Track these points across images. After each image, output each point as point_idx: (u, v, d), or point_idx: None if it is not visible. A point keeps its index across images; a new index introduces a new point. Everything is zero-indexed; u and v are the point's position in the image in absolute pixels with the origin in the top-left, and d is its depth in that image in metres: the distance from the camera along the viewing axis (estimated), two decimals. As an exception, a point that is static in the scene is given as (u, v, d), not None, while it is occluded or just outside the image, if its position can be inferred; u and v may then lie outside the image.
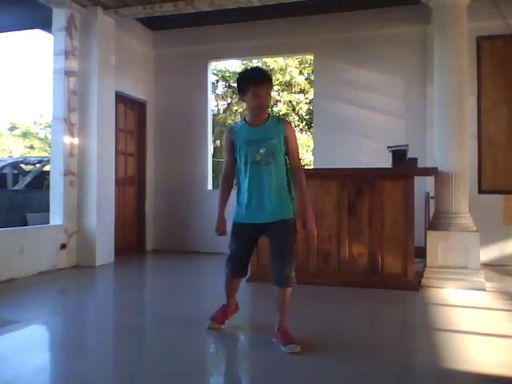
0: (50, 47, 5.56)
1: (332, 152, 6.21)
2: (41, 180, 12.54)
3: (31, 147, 27.24)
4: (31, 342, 2.92)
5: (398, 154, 4.61)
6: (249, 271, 3.05)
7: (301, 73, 13.69)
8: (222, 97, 15.52)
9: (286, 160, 2.84)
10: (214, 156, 11.23)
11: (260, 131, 2.79)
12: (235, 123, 3.01)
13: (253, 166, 2.77)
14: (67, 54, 5.49)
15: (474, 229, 4.50)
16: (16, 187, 12.26)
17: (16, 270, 4.76)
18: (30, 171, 13.51)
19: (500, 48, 5.81)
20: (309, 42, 6.56)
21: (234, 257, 2.92)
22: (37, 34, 52.36)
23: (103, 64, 5.66)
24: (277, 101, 13.51)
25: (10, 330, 3.16)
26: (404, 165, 4.56)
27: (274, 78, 11.97)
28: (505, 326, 3.27)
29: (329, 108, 6.45)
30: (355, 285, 4.32)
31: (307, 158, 13.23)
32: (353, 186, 4.46)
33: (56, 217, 5.45)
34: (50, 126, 17.19)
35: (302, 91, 13.68)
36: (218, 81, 14.93)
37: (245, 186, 2.80)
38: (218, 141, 15.24)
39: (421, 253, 4.66)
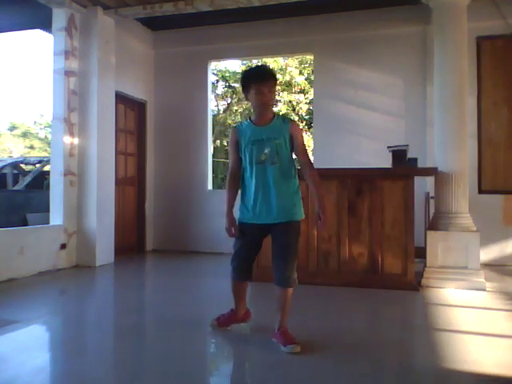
0: (50, 47, 5.56)
1: (332, 152, 6.21)
2: (41, 180, 12.54)
3: (31, 147, 27.23)
4: (31, 342, 2.92)
5: (398, 154, 4.61)
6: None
7: (301, 73, 13.69)
8: (222, 97, 15.52)
9: (292, 159, 2.82)
10: (214, 156, 11.25)
11: (265, 131, 2.77)
12: (240, 122, 2.97)
13: (258, 166, 2.75)
14: (67, 54, 5.49)
15: (474, 229, 4.50)
16: (16, 187, 12.25)
17: (16, 269, 4.76)
18: (30, 171, 13.51)
19: (500, 48, 5.81)
20: (309, 42, 6.56)
21: (239, 256, 2.90)
22: (37, 34, 52.40)
23: (103, 64, 5.66)
24: (277, 101, 13.52)
25: (10, 330, 3.16)
26: (404, 165, 4.56)
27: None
28: (505, 326, 3.27)
29: (329, 108, 6.45)
30: (355, 285, 4.32)
31: (307, 158, 13.20)
32: (353, 185, 4.46)
33: (56, 217, 5.45)
34: (50, 126, 17.21)
35: (302, 91, 13.69)
36: (218, 81, 14.93)
37: (250, 185, 2.78)
38: (218, 141, 15.24)
39: (421, 253, 4.66)
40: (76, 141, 5.59)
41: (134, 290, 4.69)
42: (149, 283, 5.23)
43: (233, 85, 14.85)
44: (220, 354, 2.92)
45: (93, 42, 5.59)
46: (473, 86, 5.69)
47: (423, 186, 5.67)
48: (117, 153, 6.11)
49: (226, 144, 15.10)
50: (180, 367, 2.50)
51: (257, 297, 4.12)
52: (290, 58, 13.23)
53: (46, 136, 26.98)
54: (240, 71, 14.14)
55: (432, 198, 4.94)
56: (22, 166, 14.24)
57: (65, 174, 5.45)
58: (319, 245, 4.52)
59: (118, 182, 6.24)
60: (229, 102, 15.52)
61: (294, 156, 2.86)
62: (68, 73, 5.50)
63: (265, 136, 2.75)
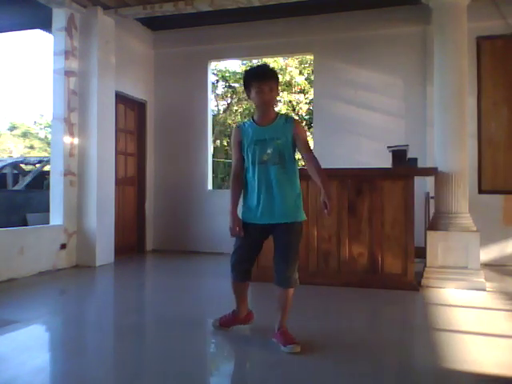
0: (50, 47, 5.56)
1: (332, 152, 6.20)
2: (41, 180, 12.53)
3: (31, 147, 27.22)
4: (31, 342, 2.92)
5: (398, 154, 4.61)
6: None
7: (301, 73, 13.69)
8: (222, 97, 15.52)
9: (295, 160, 2.81)
10: (214, 156, 11.24)
11: (268, 131, 2.75)
12: (243, 122, 2.95)
13: (260, 166, 2.74)
14: (67, 54, 5.49)
15: (474, 229, 4.50)
16: (16, 187, 12.25)
17: (16, 269, 4.76)
18: (30, 171, 13.50)
19: (500, 48, 5.81)
20: (309, 42, 6.56)
21: (239, 253, 2.88)
22: (37, 34, 52.39)
23: (103, 64, 5.66)
24: (277, 101, 13.51)
25: (10, 330, 3.16)
26: (404, 165, 4.56)
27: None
28: (505, 326, 3.27)
29: (329, 108, 6.45)
30: (355, 285, 4.32)
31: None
32: (353, 186, 4.46)
33: (56, 217, 5.45)
34: (50, 126, 17.19)
35: (302, 91, 13.69)
36: (218, 81, 14.92)
37: (253, 186, 2.77)
38: (218, 141, 15.24)
39: (421, 253, 4.66)
40: (76, 141, 5.59)
41: (133, 290, 4.69)
42: (149, 283, 5.23)
43: (233, 85, 14.85)
44: (220, 353, 2.92)
45: (93, 42, 5.59)
46: (473, 86, 5.69)
47: (423, 186, 5.67)
48: (117, 153, 6.11)
49: (226, 144, 15.10)
50: (180, 367, 2.50)
51: (257, 297, 4.11)
52: (289, 58, 13.23)
53: (45, 136, 26.98)
54: (240, 71, 14.15)
55: (432, 197, 4.94)
56: (22, 165, 14.24)
57: (65, 174, 5.45)
58: (319, 245, 4.52)
59: (118, 182, 6.24)
60: (229, 102, 15.52)
61: (296, 156, 2.86)
62: (68, 73, 5.50)
63: (267, 136, 2.74)
